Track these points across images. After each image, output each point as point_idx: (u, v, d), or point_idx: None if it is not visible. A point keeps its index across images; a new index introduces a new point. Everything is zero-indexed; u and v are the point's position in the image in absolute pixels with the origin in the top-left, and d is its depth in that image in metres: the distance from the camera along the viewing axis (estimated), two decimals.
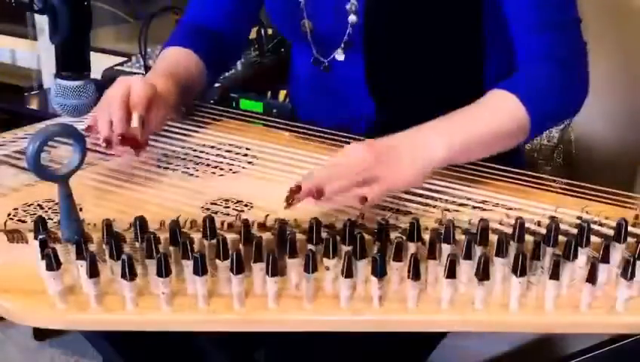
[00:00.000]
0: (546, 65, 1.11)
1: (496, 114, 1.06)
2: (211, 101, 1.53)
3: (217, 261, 0.83)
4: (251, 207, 0.98)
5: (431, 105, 1.04)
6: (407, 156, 0.97)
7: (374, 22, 1.20)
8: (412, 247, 0.87)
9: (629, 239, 0.88)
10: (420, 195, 1.01)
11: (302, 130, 1.18)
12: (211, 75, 1.29)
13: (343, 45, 1.23)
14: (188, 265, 0.83)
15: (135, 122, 1.07)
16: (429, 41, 1.19)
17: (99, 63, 1.54)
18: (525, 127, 1.06)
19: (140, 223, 0.88)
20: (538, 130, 1.10)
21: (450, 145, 0.99)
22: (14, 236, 0.92)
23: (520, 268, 0.81)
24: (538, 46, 1.12)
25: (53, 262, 0.81)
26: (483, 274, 0.81)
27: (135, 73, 1.78)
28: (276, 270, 0.81)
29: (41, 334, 2.06)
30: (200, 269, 0.81)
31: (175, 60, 1.24)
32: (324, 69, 1.26)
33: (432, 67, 1.21)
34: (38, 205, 0.99)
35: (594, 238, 0.88)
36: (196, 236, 0.88)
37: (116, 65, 1.85)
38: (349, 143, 1.10)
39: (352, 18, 1.20)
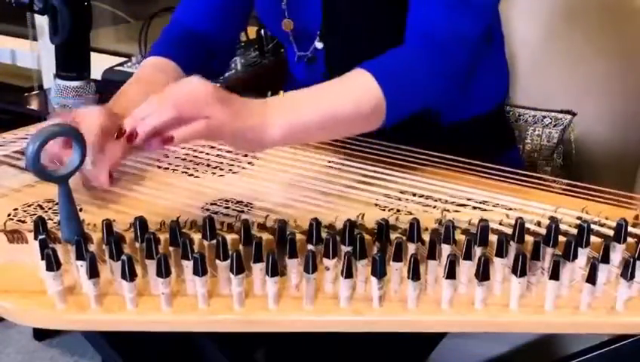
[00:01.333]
0: (420, 45, 1.05)
1: (350, 95, 0.99)
2: None
3: (217, 261, 0.83)
4: (251, 207, 0.98)
5: None
6: (249, 120, 0.91)
7: (332, 9, 1.20)
8: (412, 248, 0.87)
9: (629, 239, 0.88)
10: (421, 195, 1.01)
11: None
12: None
13: (319, 33, 1.22)
14: (188, 265, 0.83)
15: (87, 164, 0.95)
16: (385, 32, 1.19)
17: (99, 64, 1.54)
18: (381, 111, 0.99)
19: (140, 224, 0.88)
20: (395, 115, 1.01)
21: (287, 127, 0.93)
22: (14, 236, 0.92)
23: (520, 269, 0.81)
24: (425, 19, 1.07)
25: (53, 263, 0.81)
26: (483, 274, 0.81)
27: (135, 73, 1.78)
28: (276, 270, 0.81)
29: (41, 334, 2.06)
30: (200, 269, 0.81)
31: (150, 73, 1.21)
32: (307, 61, 1.26)
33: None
34: (38, 205, 0.99)
35: (594, 238, 0.88)
36: (196, 236, 0.89)
37: (116, 65, 1.85)
38: (347, 143, 1.11)
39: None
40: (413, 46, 1.07)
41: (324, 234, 0.87)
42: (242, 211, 0.97)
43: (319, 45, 1.24)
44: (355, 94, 0.99)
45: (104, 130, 0.99)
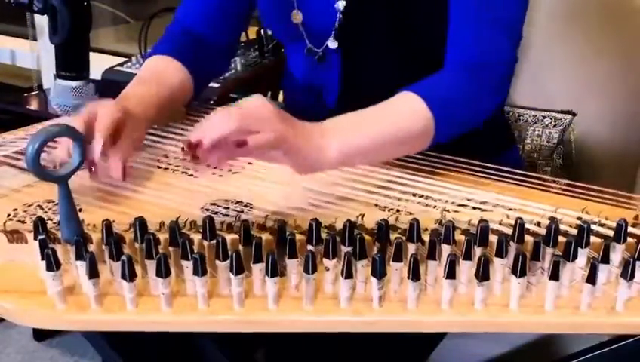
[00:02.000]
0: (462, 70, 1.09)
1: (401, 117, 1.02)
2: (211, 101, 1.53)
3: (217, 261, 0.83)
4: (251, 207, 0.98)
5: None
6: (309, 141, 0.93)
7: (357, 8, 1.20)
8: (412, 248, 0.87)
9: (629, 239, 0.88)
10: (421, 195, 1.01)
11: None
12: (198, 81, 1.26)
13: (334, 32, 1.22)
14: (188, 265, 0.83)
15: (96, 155, 0.97)
16: (408, 34, 1.19)
17: (98, 64, 1.54)
18: (430, 131, 1.02)
19: (140, 224, 0.88)
20: (443, 136, 1.05)
21: (343, 150, 0.95)
22: (14, 236, 0.92)
23: (520, 269, 0.81)
24: (463, 48, 1.10)
25: (52, 263, 0.81)
26: (483, 274, 0.81)
27: (135, 74, 1.78)
28: (276, 270, 0.81)
29: (41, 334, 2.06)
30: (200, 270, 0.81)
31: (155, 71, 1.22)
32: (318, 59, 1.26)
33: (407, 67, 1.20)
34: (38, 206, 0.99)
35: (594, 239, 0.88)
36: (196, 237, 0.88)
37: (116, 65, 1.85)
38: None
39: (340, 4, 1.20)
40: (453, 70, 1.10)
41: (324, 235, 0.87)
42: (242, 211, 0.97)
43: (332, 44, 1.24)
44: (407, 117, 1.02)
45: (117, 124, 1.00)
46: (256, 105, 0.91)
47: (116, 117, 1.01)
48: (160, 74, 1.21)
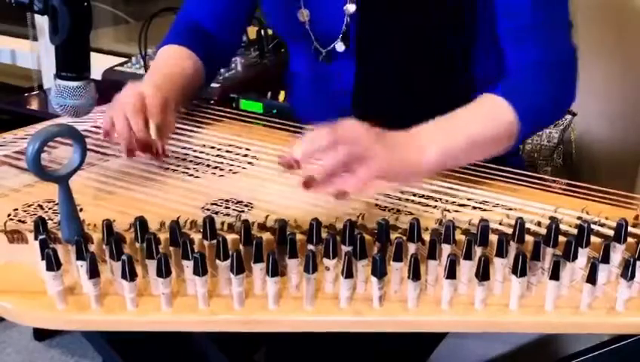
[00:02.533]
0: (534, 71, 1.11)
1: (488, 119, 1.05)
2: (211, 101, 1.53)
3: (217, 261, 0.83)
4: (251, 207, 0.98)
5: (418, 110, 1.03)
6: (404, 152, 0.94)
7: (369, 14, 1.19)
8: (412, 248, 0.87)
9: (629, 239, 0.88)
10: (421, 195, 1.01)
11: (302, 131, 1.18)
12: (208, 72, 1.29)
13: (341, 35, 1.22)
14: (188, 265, 0.83)
15: (153, 132, 1.08)
16: (422, 40, 1.19)
17: (99, 64, 1.54)
18: (514, 132, 1.05)
19: (140, 224, 0.88)
20: (525, 136, 1.09)
21: (440, 152, 0.97)
22: (14, 236, 0.92)
23: (520, 269, 0.81)
24: (528, 51, 1.12)
25: (53, 263, 0.81)
26: (483, 274, 0.81)
27: (135, 74, 1.78)
28: (276, 270, 0.81)
29: (41, 334, 2.07)
30: (200, 269, 0.81)
31: (172, 60, 1.24)
32: (324, 59, 1.26)
33: (423, 71, 1.21)
34: (39, 205, 0.99)
35: (594, 238, 0.88)
36: (196, 236, 0.88)
37: (116, 65, 1.85)
38: None
39: (349, 7, 1.20)
40: (531, 71, 1.12)
41: (324, 234, 0.87)
42: (242, 211, 0.97)
43: (340, 47, 1.23)
44: (495, 120, 1.05)
45: (163, 109, 1.10)
46: (354, 129, 0.91)
47: (163, 101, 1.10)
48: (177, 61, 1.24)
